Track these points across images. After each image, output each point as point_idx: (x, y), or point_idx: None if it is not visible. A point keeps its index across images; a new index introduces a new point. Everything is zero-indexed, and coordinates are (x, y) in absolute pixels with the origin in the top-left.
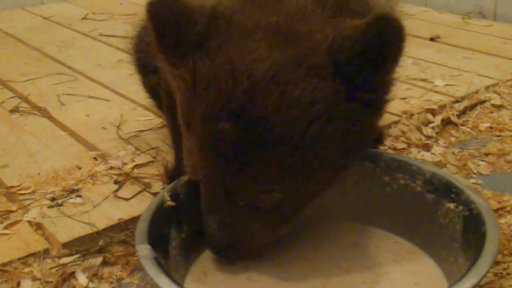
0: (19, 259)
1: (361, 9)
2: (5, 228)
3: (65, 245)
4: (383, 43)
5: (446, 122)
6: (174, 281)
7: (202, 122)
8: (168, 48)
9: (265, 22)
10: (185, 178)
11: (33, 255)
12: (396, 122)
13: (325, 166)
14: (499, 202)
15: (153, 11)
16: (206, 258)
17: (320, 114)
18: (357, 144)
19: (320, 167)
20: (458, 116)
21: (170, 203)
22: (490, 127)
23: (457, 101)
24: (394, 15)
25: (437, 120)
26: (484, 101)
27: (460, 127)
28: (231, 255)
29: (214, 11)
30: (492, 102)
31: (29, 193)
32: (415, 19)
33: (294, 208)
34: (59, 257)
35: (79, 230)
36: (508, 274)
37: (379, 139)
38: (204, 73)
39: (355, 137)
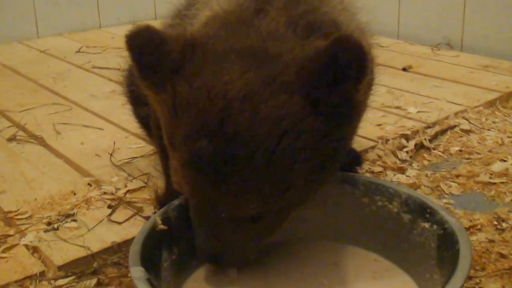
0: (16, 281)
1: (331, 30)
2: (3, 251)
3: (60, 268)
4: (340, 63)
5: (419, 146)
6: None
7: (183, 141)
8: (148, 76)
9: (239, 45)
10: (176, 202)
11: (29, 277)
12: (373, 147)
13: (299, 179)
14: (470, 221)
15: (130, 43)
16: (196, 279)
17: (289, 128)
18: (330, 157)
19: (294, 179)
20: (430, 140)
21: (162, 226)
22: (460, 151)
23: (429, 127)
24: (352, 38)
25: (411, 144)
26: (454, 126)
27: (432, 150)
28: (220, 263)
29: (189, 39)
30: (461, 127)
31: (26, 218)
32: (388, 51)
33: (276, 219)
34: (55, 279)
35: (74, 253)
36: None
37: (357, 162)
38: (183, 97)
39: (327, 151)
